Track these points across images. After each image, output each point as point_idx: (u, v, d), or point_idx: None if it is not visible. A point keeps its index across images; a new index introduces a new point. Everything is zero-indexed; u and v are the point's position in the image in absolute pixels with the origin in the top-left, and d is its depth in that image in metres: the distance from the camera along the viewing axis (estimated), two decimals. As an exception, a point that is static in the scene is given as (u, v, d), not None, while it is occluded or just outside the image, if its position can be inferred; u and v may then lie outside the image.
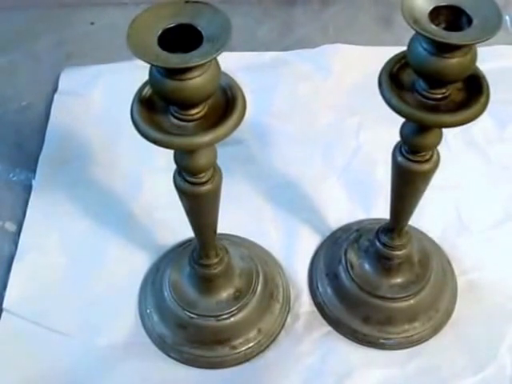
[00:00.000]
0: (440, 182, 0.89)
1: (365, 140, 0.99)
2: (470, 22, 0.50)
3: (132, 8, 1.17)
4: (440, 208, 0.90)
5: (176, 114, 0.53)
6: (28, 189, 0.94)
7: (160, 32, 0.48)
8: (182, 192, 0.61)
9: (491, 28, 0.48)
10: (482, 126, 0.99)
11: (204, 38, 0.47)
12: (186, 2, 0.48)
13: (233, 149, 0.94)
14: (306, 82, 1.07)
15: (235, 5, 1.14)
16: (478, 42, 0.48)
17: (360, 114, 1.02)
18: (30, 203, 0.92)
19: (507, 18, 1.17)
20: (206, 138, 0.51)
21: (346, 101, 1.04)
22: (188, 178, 0.60)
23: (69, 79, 1.07)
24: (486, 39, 0.48)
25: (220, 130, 0.51)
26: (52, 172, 0.95)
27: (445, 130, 0.91)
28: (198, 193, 0.60)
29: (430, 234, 0.86)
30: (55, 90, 1.06)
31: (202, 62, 0.45)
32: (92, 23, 1.18)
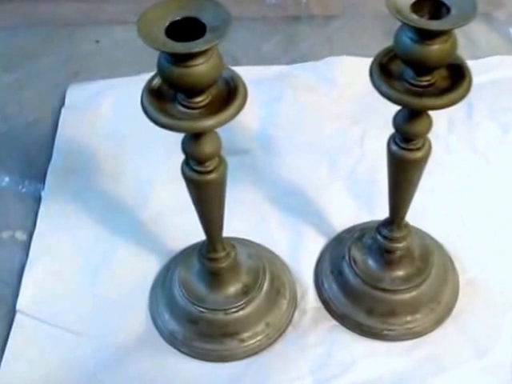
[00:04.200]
0: (443, 185, 0.99)
1: (369, 148, 1.08)
2: (448, 12, 0.59)
3: (135, 26, 1.27)
4: (443, 210, 0.98)
5: (183, 102, 0.62)
6: (37, 200, 1.02)
7: (167, 24, 0.57)
8: (189, 181, 0.70)
9: (466, 16, 0.58)
10: (485, 131, 1.08)
11: (207, 29, 0.57)
12: (191, -2, 0.59)
13: (241, 158, 1.04)
14: (311, 93, 1.16)
15: (241, 20, 1.24)
16: (454, 28, 0.58)
17: (364, 123, 1.11)
18: (39, 213, 1.00)
19: (510, 30, 1.27)
20: (211, 121, 0.60)
21: (350, 111, 1.13)
22: (195, 167, 0.68)
23: (75, 94, 1.16)
24: (462, 25, 0.57)
25: (223, 115, 0.61)
26: (60, 183, 1.04)
27: (446, 133, 1.02)
28: (204, 181, 0.69)
29: (433, 235, 0.94)
30: (62, 105, 1.15)
31: (206, 47, 0.55)
32: (97, 41, 1.28)
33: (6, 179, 1.06)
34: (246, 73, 1.16)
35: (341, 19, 1.31)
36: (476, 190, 1.01)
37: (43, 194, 1.03)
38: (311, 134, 1.11)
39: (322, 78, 1.19)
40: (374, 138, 1.08)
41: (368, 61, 1.18)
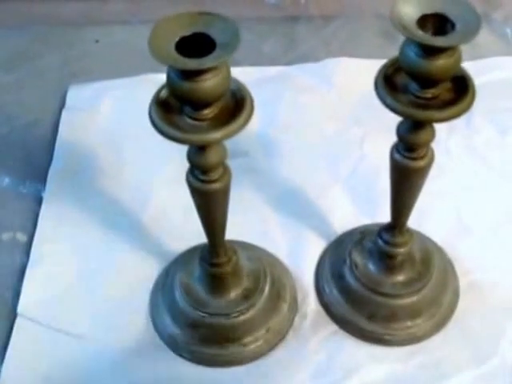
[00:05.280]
0: (442, 187, 1.00)
1: (368, 150, 1.09)
2: (453, 27, 0.61)
3: (136, 26, 1.29)
4: (442, 212, 0.99)
5: (190, 115, 0.63)
6: (38, 201, 1.03)
7: (177, 39, 0.58)
8: (194, 189, 0.71)
9: (471, 32, 0.59)
10: (484, 133, 1.10)
11: (216, 45, 0.58)
12: (200, 13, 0.59)
13: (241, 160, 1.04)
14: (310, 94, 1.17)
15: (240, 21, 1.25)
16: (458, 44, 0.60)
17: (363, 124, 1.12)
18: (40, 214, 1.00)
19: (508, 30, 1.29)
20: (219, 134, 0.62)
21: (350, 112, 1.14)
22: (200, 177, 0.69)
23: (76, 95, 1.17)
24: (466, 42, 0.59)
25: (231, 127, 0.62)
26: (61, 184, 1.04)
27: (446, 137, 1.03)
28: (208, 190, 0.70)
29: (433, 237, 0.95)
30: (62, 106, 1.16)
31: (216, 63, 0.56)
32: (97, 41, 1.29)
33: (7, 180, 1.06)
34: (245, 73, 1.17)
35: (339, 20, 1.32)
36: (475, 192, 1.03)
37: (44, 195, 1.04)
38: (311, 135, 1.12)
39: (321, 79, 1.20)
40: (374, 140, 1.09)
41: (367, 62, 1.22)
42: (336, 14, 1.33)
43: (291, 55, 1.27)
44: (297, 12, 1.34)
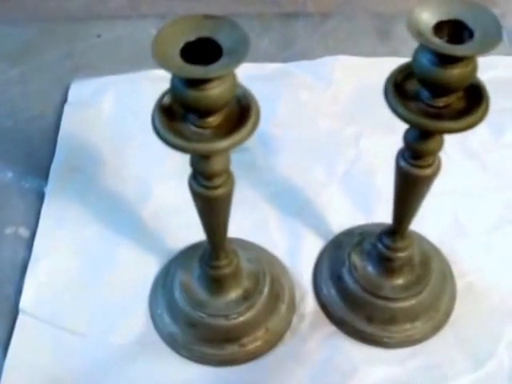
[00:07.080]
0: (439, 188, 0.92)
1: (364, 148, 1.02)
2: (471, 35, 0.53)
3: (137, 21, 1.22)
4: (439, 213, 0.92)
5: (194, 122, 0.56)
6: (40, 196, 0.96)
7: (182, 45, 0.51)
8: (196, 195, 0.64)
9: (491, 42, 0.52)
10: (480, 133, 1.01)
11: (223, 51, 0.50)
12: (206, 16, 0.52)
13: (238, 156, 0.96)
14: (307, 91, 1.10)
15: (237, 17, 1.18)
16: (479, 54, 0.52)
17: (360, 122, 1.05)
18: (42, 209, 0.94)
19: (503, 30, 1.21)
20: (224, 143, 0.55)
21: (346, 110, 1.08)
22: (203, 183, 0.63)
23: (78, 90, 1.10)
24: (487, 52, 0.51)
25: (237, 136, 0.55)
26: (63, 179, 0.98)
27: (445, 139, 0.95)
28: (211, 196, 0.63)
29: (430, 238, 0.89)
30: (64, 100, 1.09)
31: (223, 73, 0.49)
32: (99, 36, 1.21)
33: (10, 174, 0.99)
34: (242, 70, 1.09)
35: (337, 18, 1.25)
36: (472, 193, 0.96)
37: (46, 190, 0.97)
38: (308, 132, 1.05)
39: (318, 76, 1.13)
40: (371, 137, 1.03)
41: (364, 60, 1.15)
42: (334, 11, 1.26)
43: (288, 52, 1.20)
44: (295, 9, 1.27)
